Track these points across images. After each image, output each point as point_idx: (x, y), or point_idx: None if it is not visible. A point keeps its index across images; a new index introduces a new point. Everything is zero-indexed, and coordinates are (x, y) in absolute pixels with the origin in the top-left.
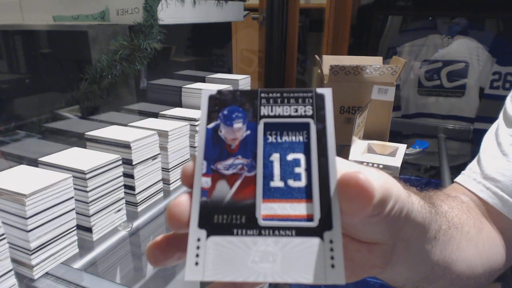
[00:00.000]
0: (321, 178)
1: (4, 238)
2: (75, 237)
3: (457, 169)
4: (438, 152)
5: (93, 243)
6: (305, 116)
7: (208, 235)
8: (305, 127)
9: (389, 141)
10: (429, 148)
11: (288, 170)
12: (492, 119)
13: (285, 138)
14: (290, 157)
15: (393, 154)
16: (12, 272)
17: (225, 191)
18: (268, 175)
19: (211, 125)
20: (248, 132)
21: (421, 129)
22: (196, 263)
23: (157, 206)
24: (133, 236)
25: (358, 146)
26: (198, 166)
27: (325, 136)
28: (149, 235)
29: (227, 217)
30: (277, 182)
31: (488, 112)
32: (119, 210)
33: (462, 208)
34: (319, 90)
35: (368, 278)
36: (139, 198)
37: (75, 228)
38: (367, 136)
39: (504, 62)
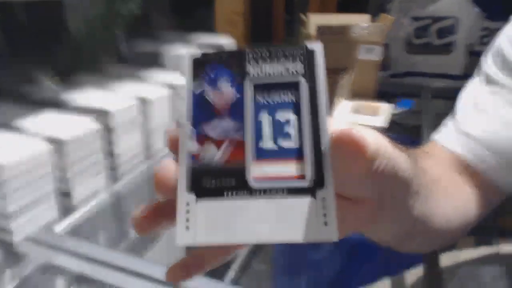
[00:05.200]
0: (313, 138)
1: None
2: (54, 201)
3: None
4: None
5: (73, 207)
6: (296, 75)
7: (198, 199)
8: (296, 86)
9: (377, 101)
10: (416, 107)
11: (278, 130)
12: None
13: (275, 98)
14: (281, 117)
15: (378, 113)
16: None
17: (213, 154)
18: (258, 137)
19: (197, 89)
20: (237, 94)
21: (408, 89)
22: (187, 228)
23: (139, 170)
24: (114, 200)
25: (343, 107)
26: (185, 130)
27: (317, 94)
28: (131, 198)
29: (216, 180)
30: (267, 143)
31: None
32: (98, 174)
33: (439, 164)
34: (310, 46)
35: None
36: (119, 162)
37: (53, 192)
38: (353, 97)
39: (494, 17)
